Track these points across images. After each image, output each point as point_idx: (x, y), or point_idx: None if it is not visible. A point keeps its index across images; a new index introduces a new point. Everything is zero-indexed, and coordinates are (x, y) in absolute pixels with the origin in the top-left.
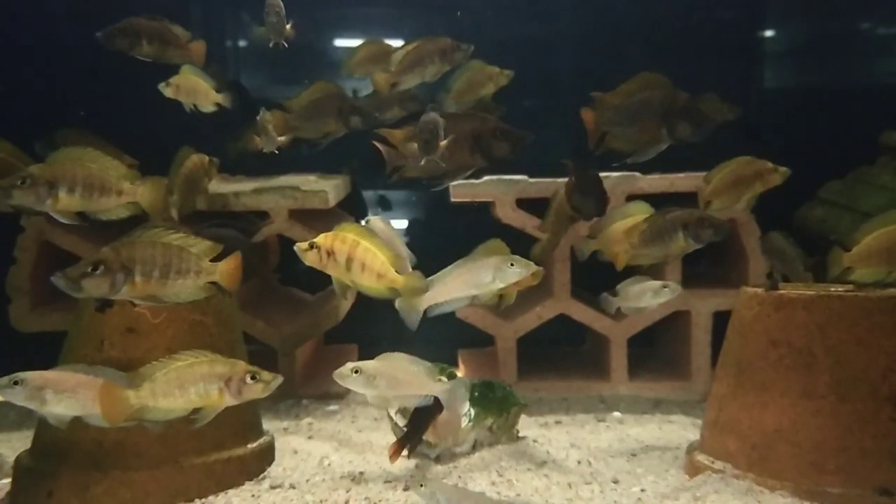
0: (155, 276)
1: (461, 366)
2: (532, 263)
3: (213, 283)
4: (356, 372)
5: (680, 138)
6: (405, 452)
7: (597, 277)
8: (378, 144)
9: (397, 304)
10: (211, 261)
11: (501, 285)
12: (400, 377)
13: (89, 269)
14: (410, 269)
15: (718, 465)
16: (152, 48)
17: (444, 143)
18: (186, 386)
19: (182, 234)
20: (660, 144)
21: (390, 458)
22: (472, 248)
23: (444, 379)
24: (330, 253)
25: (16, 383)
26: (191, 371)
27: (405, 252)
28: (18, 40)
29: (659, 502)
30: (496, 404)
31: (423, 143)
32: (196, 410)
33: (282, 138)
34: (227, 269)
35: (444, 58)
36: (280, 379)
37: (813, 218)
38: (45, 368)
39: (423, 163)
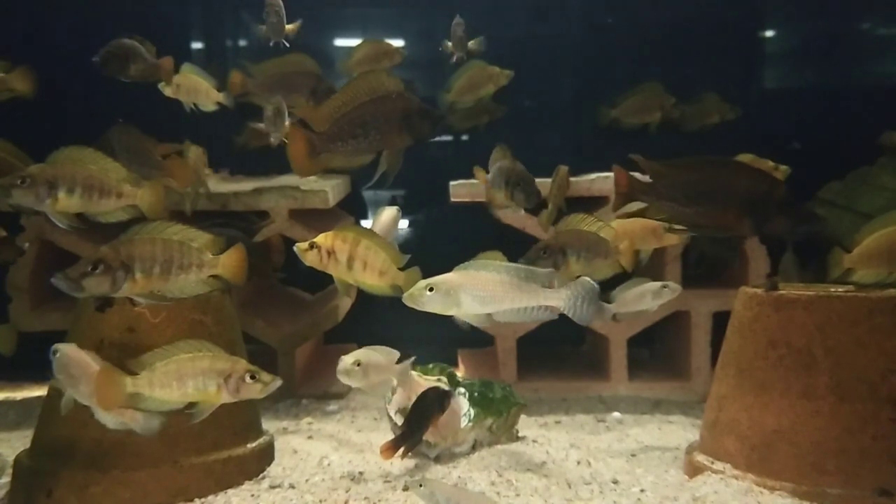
0: (156, 273)
1: (461, 366)
2: None
3: (218, 277)
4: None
5: (771, 235)
6: (399, 452)
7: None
8: (298, 131)
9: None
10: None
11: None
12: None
13: (89, 269)
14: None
15: (718, 465)
16: (138, 68)
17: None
18: (185, 379)
19: (182, 227)
20: (734, 235)
21: (382, 454)
22: (473, 247)
23: (444, 379)
24: (331, 252)
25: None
26: (191, 365)
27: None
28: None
29: (658, 503)
30: (496, 404)
31: (522, 197)
32: (192, 405)
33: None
34: (229, 262)
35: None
36: (279, 381)
37: None
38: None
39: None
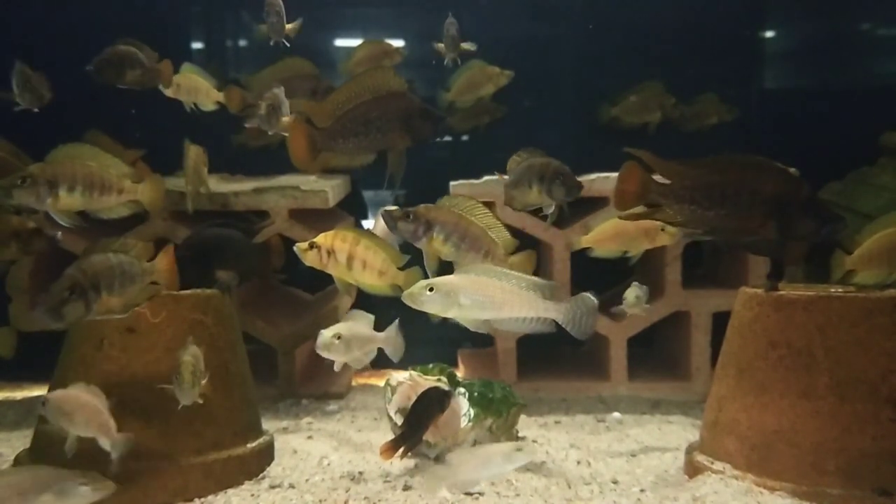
0: (116, 288)
1: (461, 366)
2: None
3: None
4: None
5: (796, 237)
6: (399, 452)
7: (596, 277)
8: (300, 125)
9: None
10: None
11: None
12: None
13: (67, 295)
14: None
15: (718, 465)
16: (135, 74)
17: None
18: None
19: (121, 240)
20: (761, 238)
21: (382, 454)
22: None
23: (444, 379)
24: (330, 252)
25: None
26: None
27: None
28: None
29: (658, 503)
30: (496, 404)
31: (563, 191)
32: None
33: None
34: (161, 268)
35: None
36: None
37: None
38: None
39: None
